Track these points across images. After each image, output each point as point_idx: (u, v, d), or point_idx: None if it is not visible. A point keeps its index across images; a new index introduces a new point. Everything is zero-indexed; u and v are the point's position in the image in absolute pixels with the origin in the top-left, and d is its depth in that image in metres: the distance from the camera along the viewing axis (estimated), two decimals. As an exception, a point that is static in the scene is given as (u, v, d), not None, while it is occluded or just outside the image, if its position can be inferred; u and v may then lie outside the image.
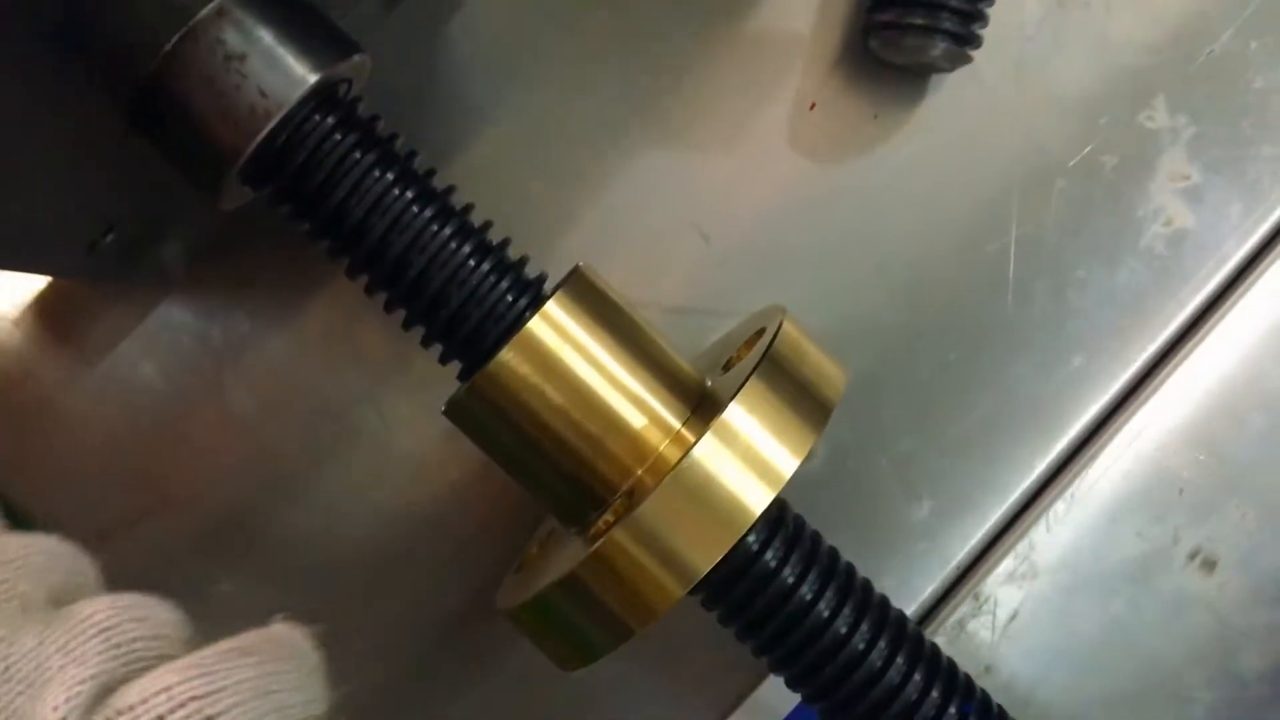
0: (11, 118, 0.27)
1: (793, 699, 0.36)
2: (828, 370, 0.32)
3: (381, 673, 0.40)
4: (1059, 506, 0.40)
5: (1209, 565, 0.40)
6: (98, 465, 0.40)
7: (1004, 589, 0.40)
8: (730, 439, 0.29)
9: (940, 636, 0.40)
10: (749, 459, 0.29)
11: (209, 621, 0.23)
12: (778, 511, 0.32)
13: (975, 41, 0.38)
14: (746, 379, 0.30)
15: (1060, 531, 0.40)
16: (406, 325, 0.32)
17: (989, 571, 0.40)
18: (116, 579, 0.24)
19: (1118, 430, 0.40)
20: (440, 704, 0.40)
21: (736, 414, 0.29)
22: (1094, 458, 0.40)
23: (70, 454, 0.40)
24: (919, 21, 0.37)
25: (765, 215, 0.40)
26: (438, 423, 0.32)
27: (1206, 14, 0.41)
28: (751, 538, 0.31)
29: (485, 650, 0.40)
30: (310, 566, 0.40)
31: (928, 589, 0.40)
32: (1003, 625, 0.40)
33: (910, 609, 0.40)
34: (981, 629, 0.40)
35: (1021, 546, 0.40)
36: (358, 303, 0.35)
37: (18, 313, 0.40)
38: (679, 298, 0.39)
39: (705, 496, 0.29)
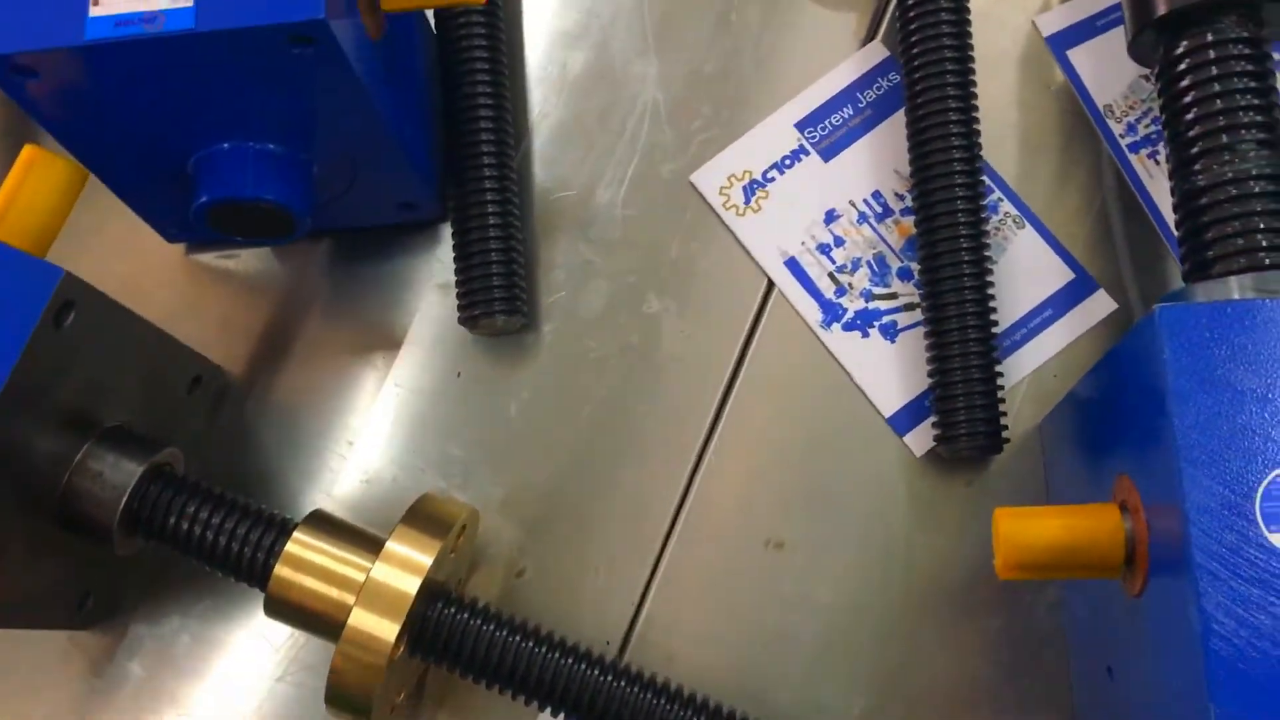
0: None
1: None
2: (453, 508, 0.58)
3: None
4: (682, 535, 0.64)
5: (778, 544, 0.63)
6: None
7: (663, 604, 0.63)
8: (388, 560, 0.54)
9: (632, 655, 0.62)
10: (403, 564, 0.54)
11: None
12: (443, 583, 0.57)
13: (521, 311, 0.66)
14: (394, 528, 0.56)
15: (690, 552, 0.63)
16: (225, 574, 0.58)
17: (652, 594, 0.63)
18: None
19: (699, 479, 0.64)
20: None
21: (391, 546, 0.55)
22: (695, 497, 0.64)
23: None
24: (477, 312, 0.65)
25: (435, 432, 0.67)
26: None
27: (661, 240, 0.68)
28: (419, 607, 0.55)
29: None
30: None
31: (620, 624, 0.63)
32: (669, 626, 0.63)
33: (614, 640, 0.63)
34: (659, 633, 0.63)
35: (666, 570, 0.63)
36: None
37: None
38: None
39: (384, 594, 0.54)
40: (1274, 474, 0.42)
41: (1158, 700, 0.46)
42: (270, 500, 0.64)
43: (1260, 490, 0.42)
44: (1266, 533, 0.41)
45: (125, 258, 0.69)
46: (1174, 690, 0.44)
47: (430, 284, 0.69)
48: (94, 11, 0.52)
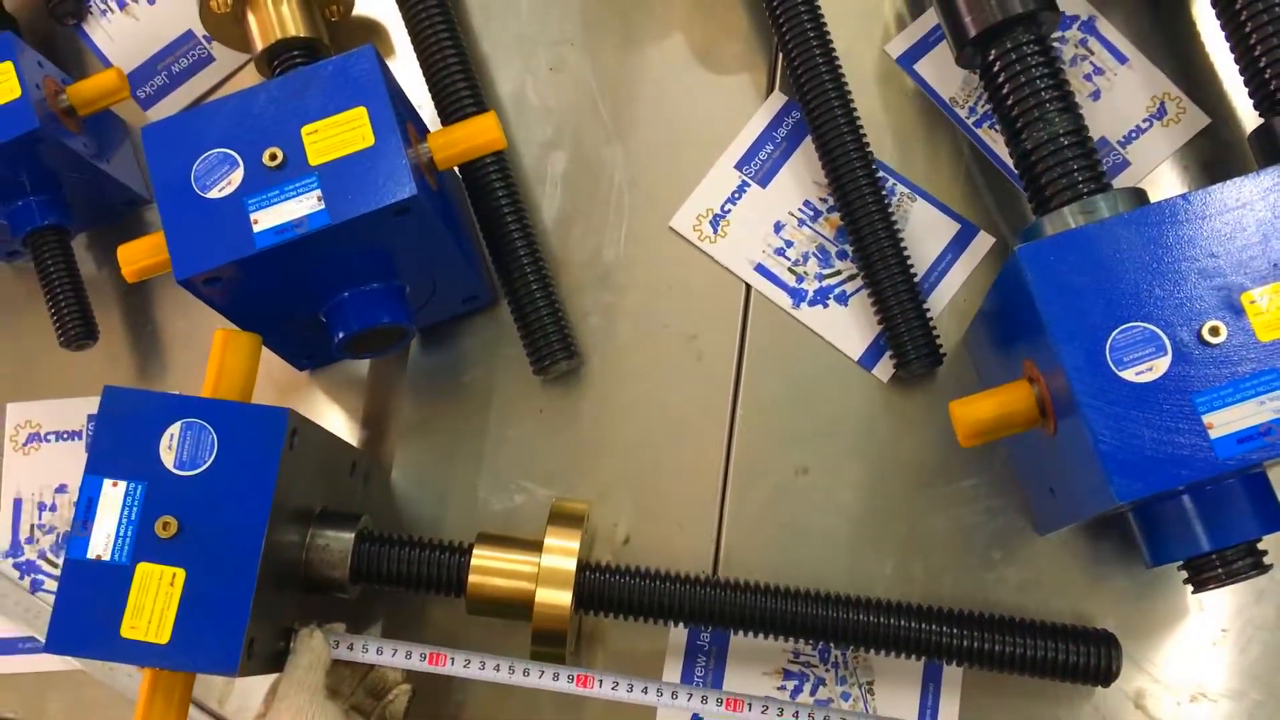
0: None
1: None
2: (578, 505, 0.81)
3: None
4: (734, 482, 0.87)
5: (804, 470, 0.87)
6: None
7: (734, 536, 0.86)
8: (549, 552, 0.77)
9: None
10: (560, 552, 0.77)
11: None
12: (586, 559, 0.79)
13: (576, 353, 0.88)
14: (545, 529, 0.78)
15: (743, 493, 0.87)
16: (431, 593, 0.80)
17: (725, 531, 0.86)
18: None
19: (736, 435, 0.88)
20: None
21: (550, 541, 0.77)
22: (735, 453, 0.87)
23: None
24: (546, 363, 0.87)
25: (535, 458, 0.89)
26: (468, 619, 0.80)
27: (660, 275, 0.91)
28: (578, 578, 0.78)
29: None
30: None
31: (707, 558, 0.86)
32: (743, 550, 0.86)
33: (706, 570, 0.86)
34: (737, 556, 0.86)
35: (730, 511, 0.86)
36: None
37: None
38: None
39: (555, 575, 0.76)
40: (1113, 334, 0.66)
41: (1083, 498, 0.71)
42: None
43: (1106, 347, 0.66)
44: (1117, 372, 0.66)
45: (269, 390, 0.90)
46: (1090, 487, 0.68)
47: (500, 352, 0.91)
48: (257, 228, 0.73)
